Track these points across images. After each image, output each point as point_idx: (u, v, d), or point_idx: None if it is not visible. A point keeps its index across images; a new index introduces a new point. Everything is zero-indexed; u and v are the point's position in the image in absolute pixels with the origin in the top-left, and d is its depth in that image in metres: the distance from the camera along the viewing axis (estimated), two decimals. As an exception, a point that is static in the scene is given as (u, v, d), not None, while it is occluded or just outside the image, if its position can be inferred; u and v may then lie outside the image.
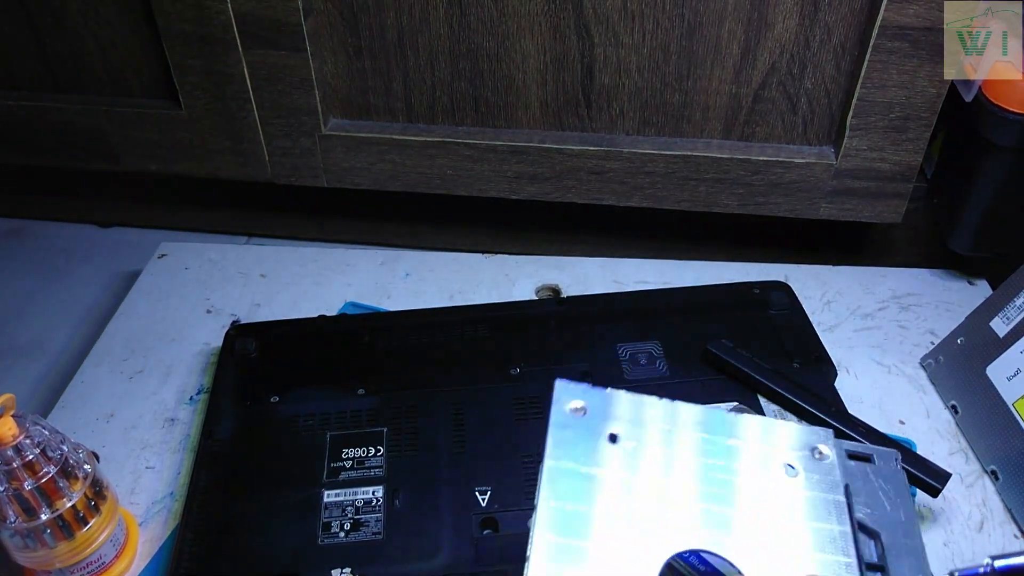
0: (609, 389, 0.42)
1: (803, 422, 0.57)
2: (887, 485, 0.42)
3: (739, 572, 0.38)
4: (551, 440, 0.41)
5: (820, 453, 0.42)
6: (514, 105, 0.70)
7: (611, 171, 0.71)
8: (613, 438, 0.41)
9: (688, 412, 0.42)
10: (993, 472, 0.59)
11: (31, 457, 0.49)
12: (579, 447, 0.40)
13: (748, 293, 0.69)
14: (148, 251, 0.82)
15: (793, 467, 0.41)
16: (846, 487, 0.41)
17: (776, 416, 0.58)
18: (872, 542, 0.40)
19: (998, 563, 0.40)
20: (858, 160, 0.67)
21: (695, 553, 0.41)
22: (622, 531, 0.38)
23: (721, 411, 0.43)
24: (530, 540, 0.38)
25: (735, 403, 0.59)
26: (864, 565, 0.39)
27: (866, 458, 0.43)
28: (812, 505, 0.40)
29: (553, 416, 0.41)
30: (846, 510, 0.40)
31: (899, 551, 0.40)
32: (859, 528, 0.40)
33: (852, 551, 0.38)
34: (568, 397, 0.42)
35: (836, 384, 0.62)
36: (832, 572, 0.38)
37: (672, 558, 0.38)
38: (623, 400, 0.42)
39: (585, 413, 0.41)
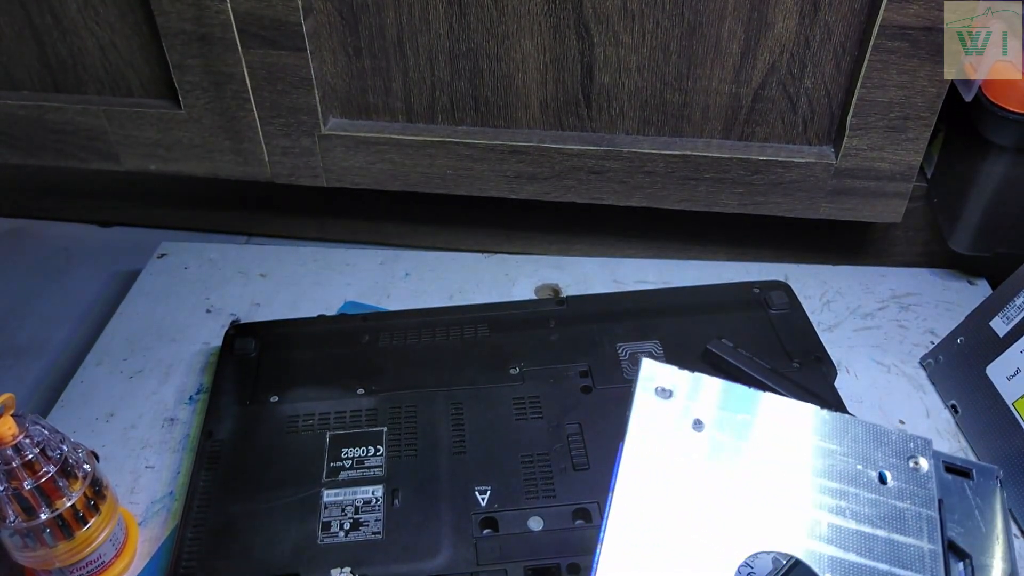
0: (698, 373, 0.40)
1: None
2: (983, 503, 0.40)
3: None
4: (633, 421, 0.38)
5: (916, 463, 0.39)
6: (514, 105, 0.70)
7: (611, 171, 0.71)
8: (698, 424, 0.38)
9: (784, 408, 0.40)
10: (993, 472, 0.59)
11: (31, 457, 0.49)
12: (661, 431, 0.38)
13: (748, 293, 0.68)
14: (148, 251, 0.82)
15: (886, 475, 0.38)
16: (940, 502, 0.38)
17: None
18: (961, 564, 0.38)
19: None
20: (858, 160, 0.67)
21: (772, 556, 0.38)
22: (698, 527, 0.36)
23: (818, 409, 0.40)
24: (602, 529, 0.35)
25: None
26: None
27: (965, 472, 0.41)
28: (902, 518, 0.37)
29: (637, 395, 0.38)
30: (938, 527, 0.37)
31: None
32: (950, 547, 0.38)
33: (940, 572, 0.36)
34: (655, 376, 0.39)
35: (836, 384, 0.62)
36: None
37: (749, 559, 0.36)
38: (713, 387, 0.40)
39: (671, 396, 0.39)
